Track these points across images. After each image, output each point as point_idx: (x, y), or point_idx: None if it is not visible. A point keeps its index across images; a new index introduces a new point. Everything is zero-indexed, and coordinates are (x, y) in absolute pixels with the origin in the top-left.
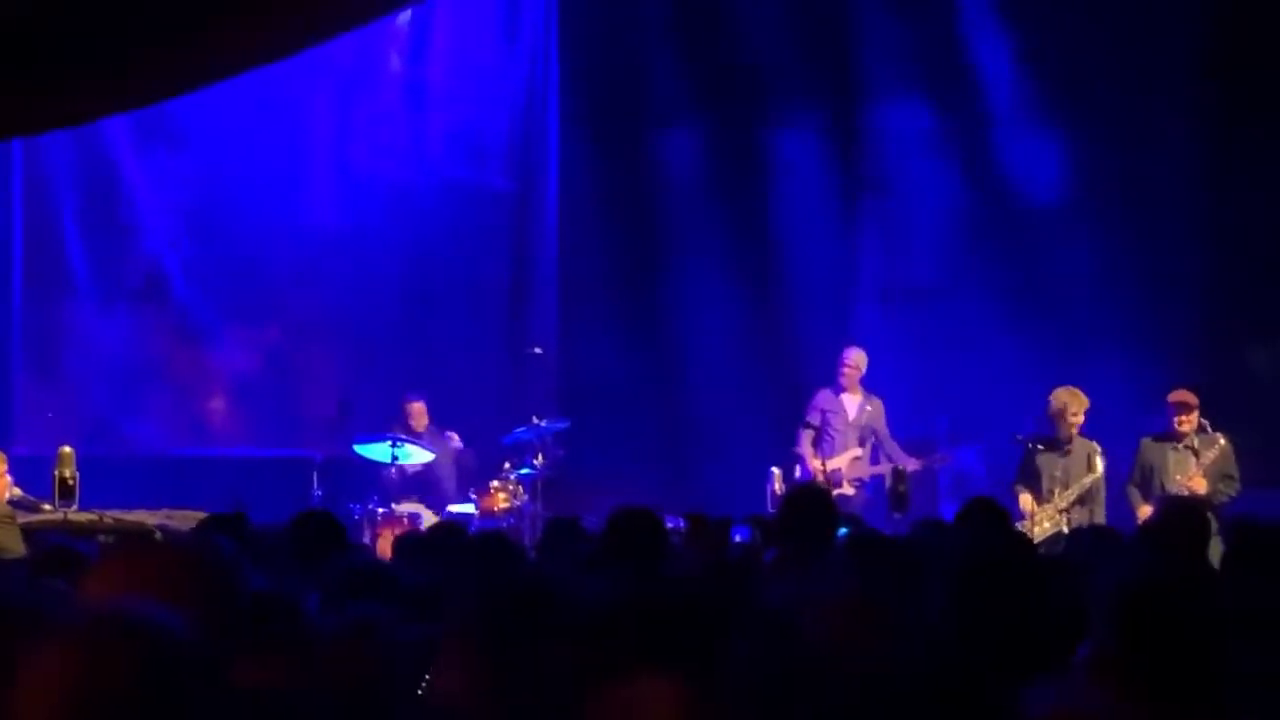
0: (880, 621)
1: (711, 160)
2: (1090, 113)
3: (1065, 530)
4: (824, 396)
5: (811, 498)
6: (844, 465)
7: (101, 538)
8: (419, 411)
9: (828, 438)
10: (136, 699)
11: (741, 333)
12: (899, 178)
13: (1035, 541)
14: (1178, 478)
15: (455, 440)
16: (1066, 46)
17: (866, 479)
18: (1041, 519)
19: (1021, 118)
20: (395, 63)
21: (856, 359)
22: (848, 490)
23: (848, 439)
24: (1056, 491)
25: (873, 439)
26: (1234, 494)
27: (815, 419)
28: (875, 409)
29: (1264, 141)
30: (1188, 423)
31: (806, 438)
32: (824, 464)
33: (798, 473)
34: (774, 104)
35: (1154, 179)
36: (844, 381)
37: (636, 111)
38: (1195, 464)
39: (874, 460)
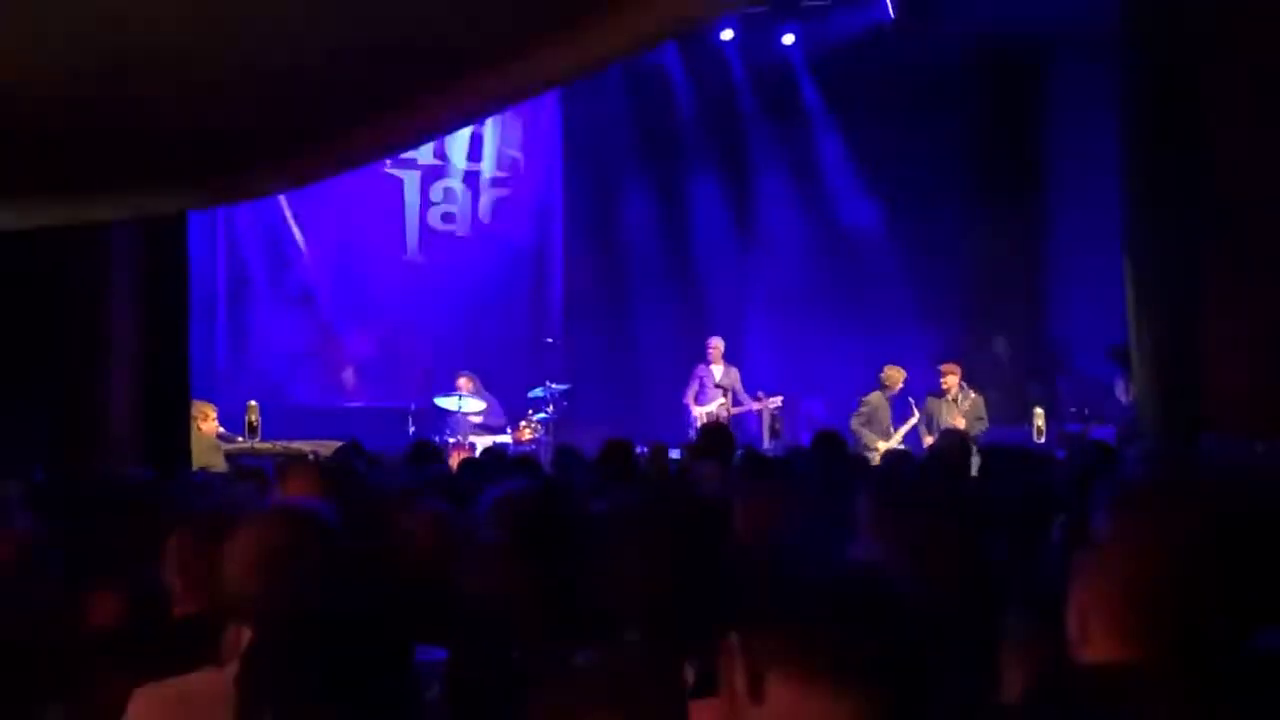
0: (771, 505)
1: (659, 220)
2: (890, 184)
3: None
4: (700, 368)
5: (719, 430)
6: (715, 409)
7: (277, 459)
8: (462, 384)
9: (704, 393)
10: (300, 560)
11: (677, 328)
12: (777, 224)
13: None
14: (947, 419)
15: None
16: (876, 140)
17: (729, 417)
18: (883, 447)
19: (848, 188)
20: (459, 160)
21: (716, 342)
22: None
23: (716, 393)
24: (890, 430)
25: (732, 391)
26: (984, 429)
27: (695, 383)
28: (732, 374)
29: (1007, 210)
30: (947, 383)
31: (690, 393)
32: (702, 411)
33: (692, 415)
34: (695, 179)
35: (930, 230)
36: (710, 356)
37: (612, 190)
38: (958, 411)
39: (735, 404)
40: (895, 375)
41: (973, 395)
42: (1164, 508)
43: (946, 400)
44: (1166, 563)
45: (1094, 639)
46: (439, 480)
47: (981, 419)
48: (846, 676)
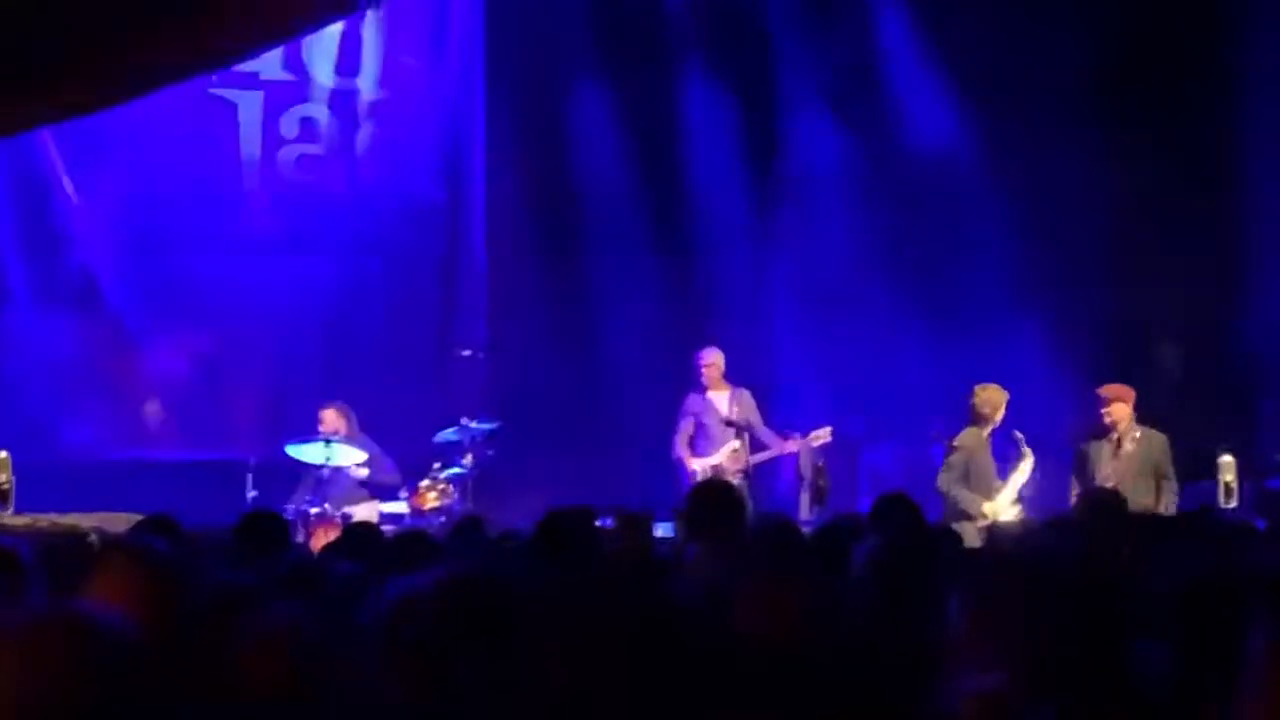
0: (798, 608)
1: (632, 172)
2: (988, 97)
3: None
4: (692, 400)
5: (719, 491)
6: (724, 459)
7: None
8: (329, 421)
9: (704, 437)
10: (76, 696)
11: (661, 336)
12: (814, 162)
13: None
14: (1103, 470)
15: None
16: (964, 27)
17: (749, 468)
18: (991, 512)
19: (922, 104)
20: (324, 76)
21: (712, 358)
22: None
23: (724, 435)
24: (995, 484)
25: (748, 430)
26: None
27: (687, 424)
28: (745, 401)
29: (1174, 138)
30: (1114, 415)
31: (681, 441)
32: (705, 464)
33: (690, 472)
34: (686, 95)
35: (1052, 170)
36: (706, 381)
37: (560, 125)
38: (1117, 457)
39: (755, 448)
40: (996, 399)
41: (1136, 435)
42: None
43: (1109, 442)
44: None
45: None
46: (295, 572)
47: (1167, 479)
48: None
